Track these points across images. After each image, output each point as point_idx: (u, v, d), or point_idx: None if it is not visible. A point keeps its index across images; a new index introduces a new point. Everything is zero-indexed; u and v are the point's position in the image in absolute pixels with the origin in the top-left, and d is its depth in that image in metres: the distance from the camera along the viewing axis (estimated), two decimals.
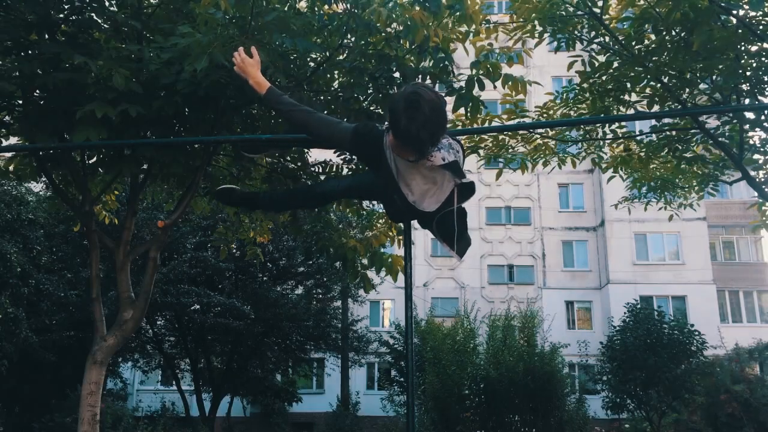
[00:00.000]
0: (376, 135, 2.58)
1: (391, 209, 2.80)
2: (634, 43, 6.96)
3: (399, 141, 2.42)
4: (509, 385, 15.28)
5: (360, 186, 3.23)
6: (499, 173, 8.55)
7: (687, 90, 7.38)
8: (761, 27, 6.35)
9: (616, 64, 7.28)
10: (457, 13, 5.13)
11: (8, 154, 6.51)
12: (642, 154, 8.71)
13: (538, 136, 8.47)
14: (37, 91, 5.29)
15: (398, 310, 27.24)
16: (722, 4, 5.92)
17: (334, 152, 6.77)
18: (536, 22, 7.03)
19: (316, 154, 7.68)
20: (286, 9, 4.65)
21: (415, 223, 2.89)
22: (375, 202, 7.80)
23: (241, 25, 4.46)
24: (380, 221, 7.35)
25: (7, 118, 5.68)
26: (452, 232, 2.66)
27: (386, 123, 2.58)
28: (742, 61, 6.53)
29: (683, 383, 16.63)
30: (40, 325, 13.74)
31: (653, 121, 9.10)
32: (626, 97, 7.63)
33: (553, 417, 15.51)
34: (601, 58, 7.46)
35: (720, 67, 6.43)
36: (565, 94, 8.05)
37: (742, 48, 6.55)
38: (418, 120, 2.30)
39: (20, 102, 5.43)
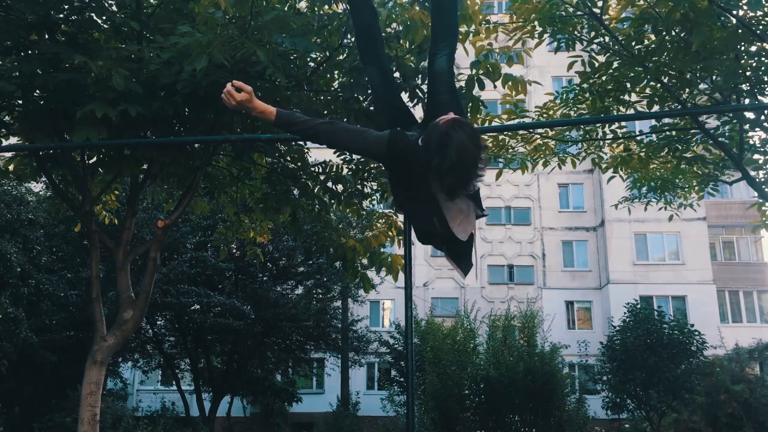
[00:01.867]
0: (408, 146, 2.46)
1: (424, 229, 2.57)
2: (634, 44, 6.96)
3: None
4: (509, 385, 15.26)
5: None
6: (499, 173, 8.55)
7: (687, 90, 7.38)
8: (761, 27, 6.34)
9: (616, 65, 7.28)
10: (457, 13, 5.13)
11: (8, 154, 6.51)
12: (642, 154, 8.71)
13: (538, 136, 8.47)
14: (37, 91, 5.29)
15: (398, 310, 27.23)
16: (722, 4, 5.92)
17: (334, 152, 6.78)
18: (536, 23, 7.03)
19: (315, 154, 7.68)
20: (286, 9, 4.65)
21: None
22: (375, 202, 7.80)
23: (241, 24, 4.46)
24: (380, 221, 7.36)
25: (7, 118, 5.68)
26: (463, 255, 2.60)
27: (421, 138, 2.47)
28: (742, 61, 6.52)
29: (683, 383, 16.63)
30: (40, 325, 13.73)
31: (653, 121, 9.09)
32: (626, 97, 7.63)
33: (553, 417, 15.50)
34: (601, 59, 7.46)
35: (720, 67, 6.43)
36: (565, 94, 8.04)
37: (742, 48, 6.55)
38: (445, 164, 2.24)
39: (20, 102, 5.43)
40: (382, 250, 7.04)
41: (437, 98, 2.75)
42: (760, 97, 7.04)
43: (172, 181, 6.76)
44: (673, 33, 6.60)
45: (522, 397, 15.28)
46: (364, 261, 7.03)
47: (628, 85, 7.29)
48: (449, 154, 2.22)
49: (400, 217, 6.22)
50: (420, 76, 5.50)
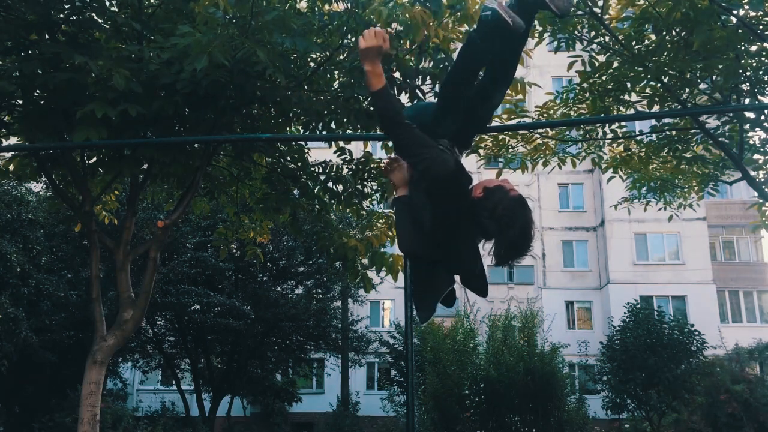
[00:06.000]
0: (467, 180, 2.50)
1: (453, 272, 2.62)
2: (634, 43, 6.95)
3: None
4: (509, 385, 15.25)
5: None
6: (499, 173, 8.54)
7: (687, 90, 7.38)
8: (761, 27, 6.34)
9: (616, 64, 7.28)
10: (458, 13, 5.13)
11: (8, 154, 6.51)
12: (642, 154, 8.71)
13: (538, 136, 8.47)
14: (37, 91, 5.28)
15: (398, 310, 27.22)
16: (722, 4, 5.92)
17: (334, 152, 6.79)
18: (536, 22, 7.03)
19: (316, 155, 7.68)
20: (286, 9, 4.64)
21: None
22: (375, 202, 7.79)
23: (241, 24, 4.46)
24: (380, 221, 7.35)
25: (7, 118, 5.68)
26: (433, 304, 2.73)
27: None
28: (742, 61, 6.52)
29: (683, 383, 16.63)
30: (40, 325, 13.73)
31: (653, 121, 9.09)
32: (626, 97, 7.63)
33: (553, 417, 15.49)
34: (601, 58, 7.45)
35: (720, 67, 6.43)
36: (565, 94, 8.04)
37: (742, 48, 6.55)
38: (507, 238, 2.35)
39: (20, 102, 5.43)
40: (382, 250, 7.04)
41: (478, 120, 2.76)
42: (760, 97, 7.04)
43: (172, 181, 6.75)
44: (674, 33, 6.59)
45: (522, 397, 15.27)
46: (365, 261, 7.02)
47: (629, 84, 7.29)
48: (515, 229, 2.31)
49: None
50: (420, 76, 5.50)
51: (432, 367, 16.04)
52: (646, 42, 6.96)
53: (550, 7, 2.41)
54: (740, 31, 6.15)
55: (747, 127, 7.54)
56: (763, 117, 7.33)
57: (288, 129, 6.29)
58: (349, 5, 4.98)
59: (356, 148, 7.42)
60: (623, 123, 8.80)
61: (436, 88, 5.51)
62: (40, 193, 15.10)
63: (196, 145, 5.89)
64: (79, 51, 4.66)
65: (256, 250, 8.27)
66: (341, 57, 5.55)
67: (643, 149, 8.67)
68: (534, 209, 29.20)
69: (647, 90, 7.45)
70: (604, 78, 7.40)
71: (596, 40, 7.39)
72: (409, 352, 2.74)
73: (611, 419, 18.98)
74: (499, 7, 2.31)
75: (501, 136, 8.32)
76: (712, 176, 8.79)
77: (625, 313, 18.39)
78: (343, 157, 6.78)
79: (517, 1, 2.45)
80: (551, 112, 8.14)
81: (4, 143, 6.05)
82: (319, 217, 7.03)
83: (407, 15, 4.72)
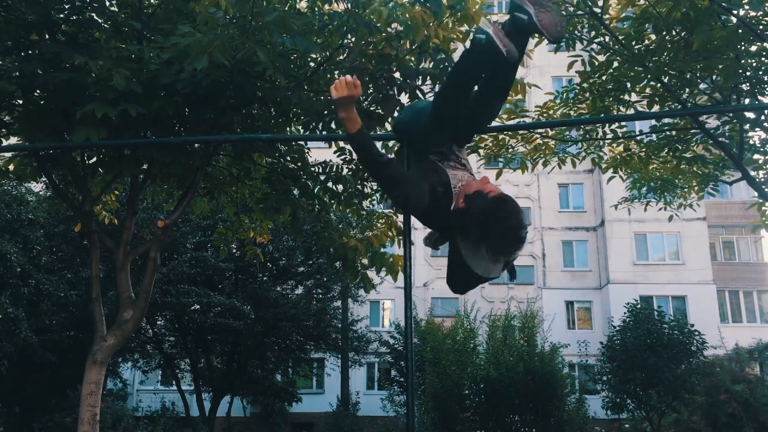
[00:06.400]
0: (447, 200, 2.55)
1: (466, 276, 2.70)
2: (634, 43, 6.95)
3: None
4: (509, 385, 15.26)
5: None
6: (499, 173, 8.54)
7: (687, 90, 7.38)
8: (761, 27, 6.34)
9: (616, 64, 7.28)
10: (458, 14, 5.13)
11: (8, 154, 6.51)
12: (642, 154, 8.71)
13: (538, 136, 8.47)
14: (37, 91, 5.28)
15: (398, 310, 27.22)
16: (722, 4, 5.92)
17: (334, 152, 6.79)
18: None
19: (316, 155, 7.68)
20: (286, 9, 4.65)
21: (415, 222, 2.88)
22: (375, 202, 7.80)
23: (242, 25, 4.46)
24: (380, 221, 7.35)
25: (7, 118, 5.68)
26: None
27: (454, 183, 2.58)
28: (742, 61, 6.52)
29: (683, 383, 16.63)
30: (40, 325, 13.73)
31: (653, 121, 9.10)
32: (626, 97, 7.63)
33: (553, 417, 15.49)
34: (601, 58, 7.46)
35: (720, 67, 6.43)
36: (565, 94, 8.04)
37: (742, 48, 6.55)
38: (491, 239, 2.42)
39: (20, 102, 5.43)
40: (382, 250, 7.03)
41: (477, 123, 2.81)
42: (760, 97, 7.04)
43: (172, 181, 6.75)
44: (674, 33, 6.60)
45: (522, 397, 15.27)
46: (365, 261, 7.02)
47: (629, 84, 7.29)
48: (503, 228, 2.37)
49: (400, 218, 6.23)
50: (420, 76, 5.50)
51: (432, 367, 16.04)
52: (646, 42, 6.96)
53: (543, 32, 2.45)
54: (740, 31, 6.15)
55: (747, 127, 7.55)
56: (763, 117, 7.33)
57: (288, 129, 6.29)
58: (349, 5, 4.98)
59: None
60: (623, 123, 8.80)
61: (436, 88, 5.51)
62: (40, 193, 15.10)
63: (196, 145, 5.89)
64: (79, 51, 4.66)
65: (256, 250, 8.27)
66: (341, 57, 5.55)
67: (643, 149, 8.67)
68: (534, 209, 29.29)
69: (647, 90, 7.45)
70: (604, 78, 7.40)
71: (596, 40, 7.39)
72: (409, 352, 2.74)
73: (611, 419, 18.99)
74: (494, 33, 2.32)
75: (501, 136, 8.32)
76: (712, 176, 8.79)
77: (625, 313, 18.39)
78: (343, 157, 6.78)
79: (512, 23, 2.46)
80: (551, 112, 8.14)
81: (4, 143, 6.05)
82: (319, 217, 7.03)
83: (407, 15, 4.72)
